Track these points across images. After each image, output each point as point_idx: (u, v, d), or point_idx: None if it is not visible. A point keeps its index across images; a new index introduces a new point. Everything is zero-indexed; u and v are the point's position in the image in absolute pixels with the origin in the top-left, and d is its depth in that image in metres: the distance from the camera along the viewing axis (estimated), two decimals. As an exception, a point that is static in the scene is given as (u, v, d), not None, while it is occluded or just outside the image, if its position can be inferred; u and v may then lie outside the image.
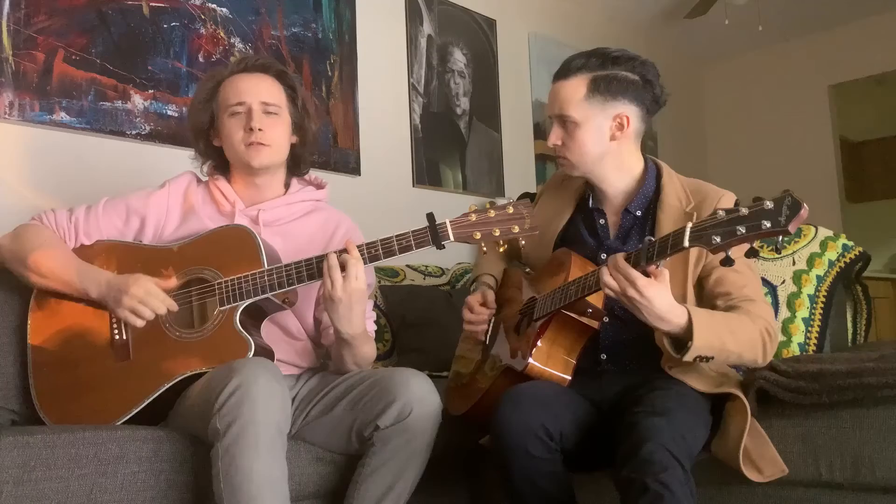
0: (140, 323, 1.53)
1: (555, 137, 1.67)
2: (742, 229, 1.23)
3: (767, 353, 1.51)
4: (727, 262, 1.26)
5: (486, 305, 1.78)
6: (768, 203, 1.22)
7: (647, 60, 1.64)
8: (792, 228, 1.19)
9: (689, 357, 1.42)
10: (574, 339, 1.61)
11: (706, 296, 1.60)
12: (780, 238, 1.23)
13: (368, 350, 1.66)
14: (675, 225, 1.59)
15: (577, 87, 1.62)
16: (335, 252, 1.52)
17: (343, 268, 1.49)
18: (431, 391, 1.54)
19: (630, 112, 1.63)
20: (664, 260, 1.36)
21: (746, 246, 1.25)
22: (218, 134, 1.73)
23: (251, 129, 1.65)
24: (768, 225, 1.20)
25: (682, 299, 1.54)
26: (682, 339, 1.44)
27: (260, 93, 1.69)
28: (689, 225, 1.30)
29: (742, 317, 1.50)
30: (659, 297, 1.38)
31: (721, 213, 1.26)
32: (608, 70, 1.61)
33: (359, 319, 1.55)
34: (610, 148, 1.65)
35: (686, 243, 1.30)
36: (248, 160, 1.68)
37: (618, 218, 1.71)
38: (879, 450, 1.45)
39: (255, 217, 1.73)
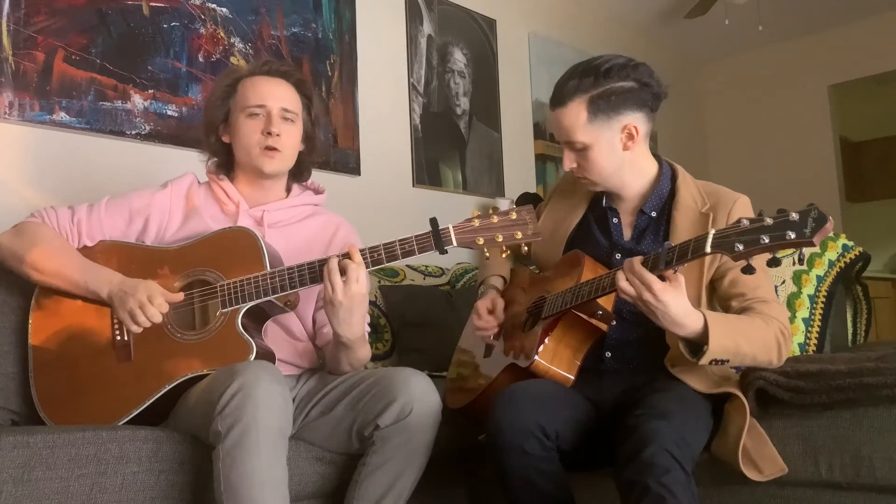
0: (135, 328, 1.53)
1: (569, 161, 1.66)
2: (766, 238, 1.24)
3: (782, 353, 1.52)
4: (748, 269, 1.27)
5: (495, 313, 1.77)
6: (794, 214, 1.23)
7: (637, 64, 1.60)
8: (817, 241, 1.20)
9: (704, 361, 1.43)
10: (581, 339, 1.62)
11: (720, 297, 1.60)
12: (801, 249, 1.24)
13: (364, 352, 1.66)
14: (690, 225, 1.60)
15: (577, 112, 1.59)
16: (336, 256, 1.51)
17: (344, 272, 1.48)
18: (431, 390, 1.54)
19: (636, 120, 1.61)
20: (682, 265, 1.37)
21: (768, 255, 1.26)
22: (229, 131, 1.73)
23: (269, 133, 1.67)
24: (793, 236, 1.21)
25: (696, 301, 1.55)
26: (698, 343, 1.45)
27: (281, 98, 1.70)
28: (713, 231, 1.31)
29: (756, 319, 1.51)
30: (675, 302, 1.39)
31: (745, 221, 1.27)
32: (602, 87, 1.57)
33: (359, 324, 1.55)
34: (624, 158, 1.64)
35: (708, 249, 1.31)
36: (260, 165, 1.69)
37: (632, 218, 1.70)
38: (879, 450, 1.45)
39: (259, 218, 1.73)
